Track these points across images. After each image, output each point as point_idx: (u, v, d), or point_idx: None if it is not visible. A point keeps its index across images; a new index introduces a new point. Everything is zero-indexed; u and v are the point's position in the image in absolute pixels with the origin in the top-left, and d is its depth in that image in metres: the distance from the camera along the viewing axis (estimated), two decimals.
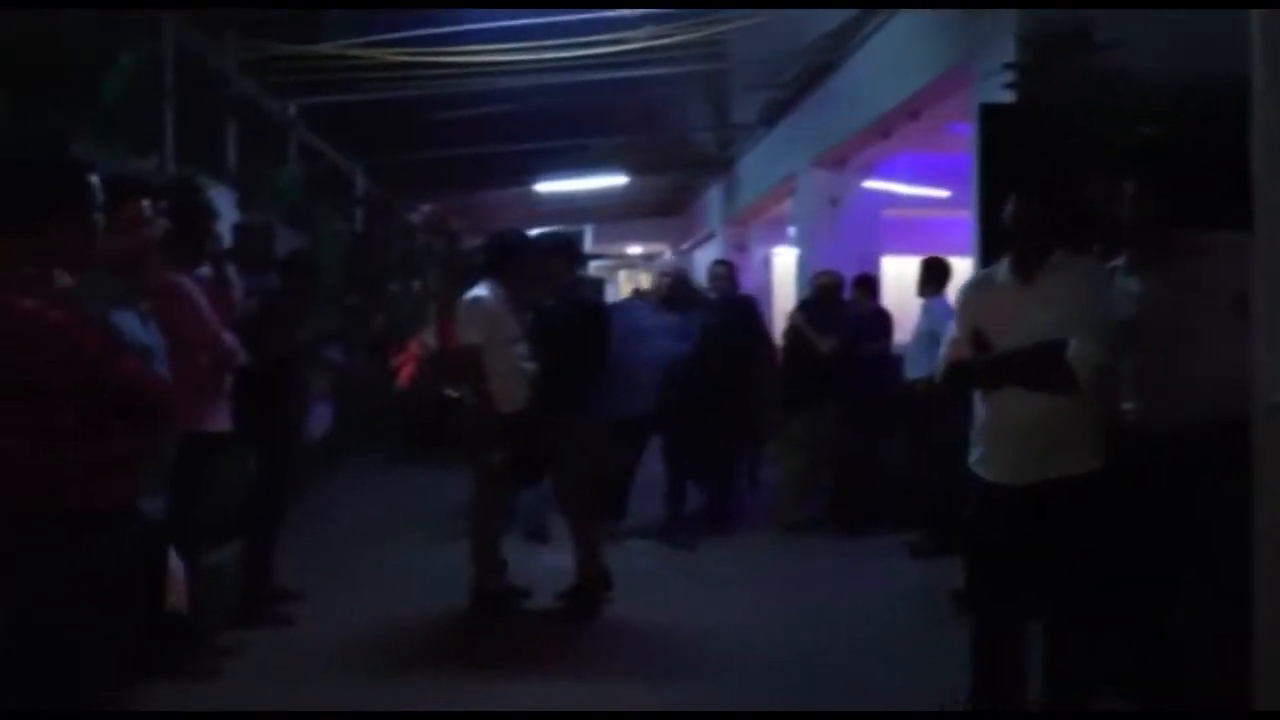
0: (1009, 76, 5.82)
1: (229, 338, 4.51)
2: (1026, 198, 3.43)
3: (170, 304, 3.89)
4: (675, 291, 7.73)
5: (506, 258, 5.64)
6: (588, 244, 20.81)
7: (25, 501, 2.50)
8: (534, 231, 6.32)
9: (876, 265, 10.12)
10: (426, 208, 13.63)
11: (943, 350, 3.66)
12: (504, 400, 5.33)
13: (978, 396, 3.58)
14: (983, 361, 3.46)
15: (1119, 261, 3.75)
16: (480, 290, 5.60)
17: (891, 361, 7.70)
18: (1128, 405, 3.63)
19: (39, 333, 2.44)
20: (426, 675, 4.68)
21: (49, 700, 2.50)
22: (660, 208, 19.18)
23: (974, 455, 3.60)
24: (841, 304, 7.92)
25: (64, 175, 2.63)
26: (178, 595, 3.04)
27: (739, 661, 4.81)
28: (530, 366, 5.43)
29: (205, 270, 4.91)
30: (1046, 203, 3.43)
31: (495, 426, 5.30)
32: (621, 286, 24.73)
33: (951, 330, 3.67)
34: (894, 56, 7.87)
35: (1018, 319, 3.42)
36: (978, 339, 3.48)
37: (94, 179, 2.64)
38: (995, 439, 3.49)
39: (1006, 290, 3.51)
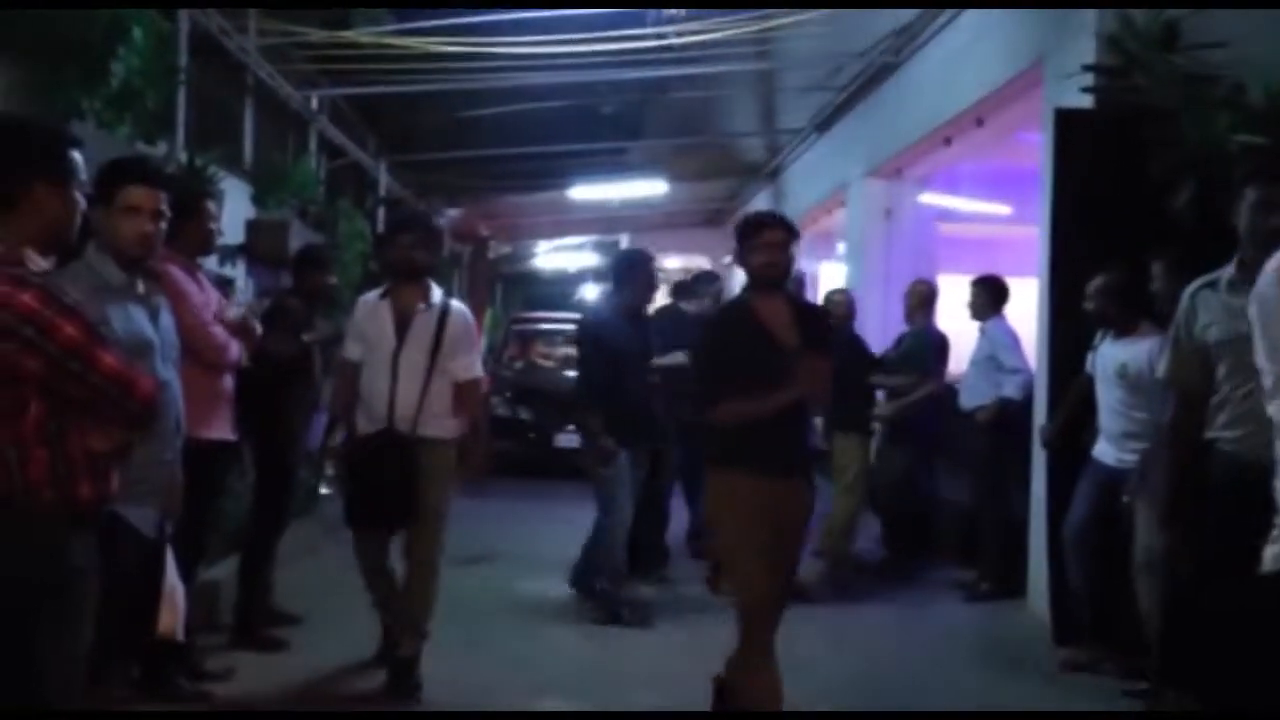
0: (1088, 79, 5.36)
1: (219, 333, 4.15)
2: None
3: None
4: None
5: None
6: None
7: None
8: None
9: None
10: (454, 211, 13.30)
11: None
12: (365, 419, 4.66)
13: None
14: None
15: (1225, 273, 3.43)
16: (365, 298, 4.96)
17: (944, 389, 7.14)
18: (1225, 434, 3.33)
19: (7, 317, 2.19)
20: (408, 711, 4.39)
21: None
22: (701, 218, 18.72)
23: None
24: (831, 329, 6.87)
25: (44, 144, 2.43)
26: (170, 619, 2.84)
27: None
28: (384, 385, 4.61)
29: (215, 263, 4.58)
30: None
31: (350, 448, 4.73)
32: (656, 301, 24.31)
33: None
34: (959, 58, 7.38)
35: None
36: None
37: (76, 153, 2.44)
38: None
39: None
